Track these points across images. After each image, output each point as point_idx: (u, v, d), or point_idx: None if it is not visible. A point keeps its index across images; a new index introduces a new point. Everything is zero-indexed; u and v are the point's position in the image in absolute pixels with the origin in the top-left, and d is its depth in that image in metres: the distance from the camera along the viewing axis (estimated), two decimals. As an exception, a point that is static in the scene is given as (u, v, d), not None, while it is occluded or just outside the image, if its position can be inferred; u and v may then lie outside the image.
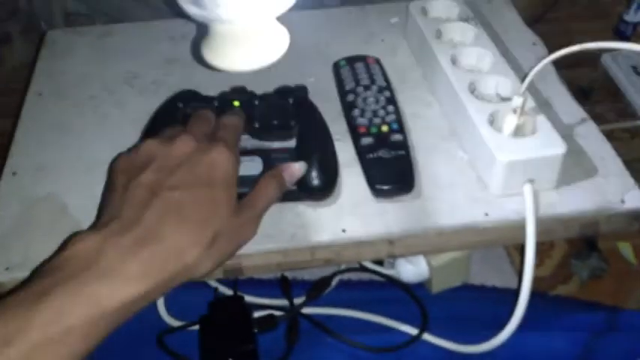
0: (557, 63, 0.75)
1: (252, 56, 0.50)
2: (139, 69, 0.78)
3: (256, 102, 0.64)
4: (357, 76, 0.72)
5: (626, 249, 0.89)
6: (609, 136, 1.05)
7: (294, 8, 0.87)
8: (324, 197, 0.61)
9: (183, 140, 0.52)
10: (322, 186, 0.61)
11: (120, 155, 0.55)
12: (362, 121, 0.66)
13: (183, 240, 0.47)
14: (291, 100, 0.65)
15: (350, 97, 0.70)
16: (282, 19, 0.85)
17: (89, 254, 0.45)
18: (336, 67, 0.76)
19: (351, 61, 0.75)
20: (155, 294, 0.46)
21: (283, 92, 0.66)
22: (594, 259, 0.84)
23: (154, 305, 0.73)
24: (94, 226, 0.49)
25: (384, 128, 0.65)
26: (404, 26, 0.82)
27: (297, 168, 0.58)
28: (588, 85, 1.14)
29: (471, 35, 0.73)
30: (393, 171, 0.61)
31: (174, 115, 0.63)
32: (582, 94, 1.12)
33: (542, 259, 0.87)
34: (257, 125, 0.63)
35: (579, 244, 0.87)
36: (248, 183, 0.60)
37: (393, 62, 0.78)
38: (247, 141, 0.63)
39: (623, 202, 0.60)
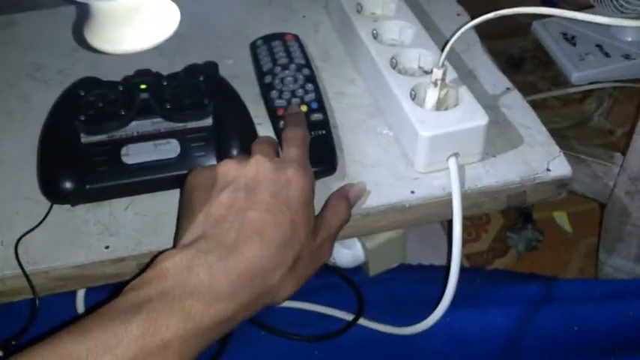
0: (487, 34, 0.73)
1: (139, 36, 0.46)
2: (44, 59, 0.73)
3: (165, 83, 0.60)
4: (274, 55, 0.68)
5: (561, 218, 0.89)
6: (542, 104, 1.05)
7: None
8: None
9: (258, 161, 0.51)
10: None
11: (196, 171, 0.53)
12: (280, 102, 0.63)
13: (267, 262, 0.46)
14: (201, 78, 0.61)
15: (267, 79, 0.66)
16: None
17: (180, 271, 0.44)
18: (253, 47, 0.72)
19: (268, 39, 0.71)
20: (242, 315, 0.46)
21: (192, 70, 0.63)
22: (529, 230, 0.84)
23: (71, 309, 0.69)
24: (180, 244, 0.47)
25: (303, 108, 0.62)
26: (325, 1, 0.79)
27: (361, 187, 0.57)
28: (520, 54, 1.13)
29: (392, 8, 0.71)
30: (313, 152, 0.58)
31: (77, 104, 0.59)
32: (514, 64, 1.11)
33: (478, 234, 0.86)
34: (169, 107, 0.59)
35: (515, 217, 0.87)
36: (166, 167, 0.57)
37: (315, 39, 0.75)
38: (160, 124, 0.59)
39: (548, 170, 0.59)
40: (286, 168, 0.51)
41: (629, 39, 1.09)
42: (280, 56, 0.68)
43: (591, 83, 1.08)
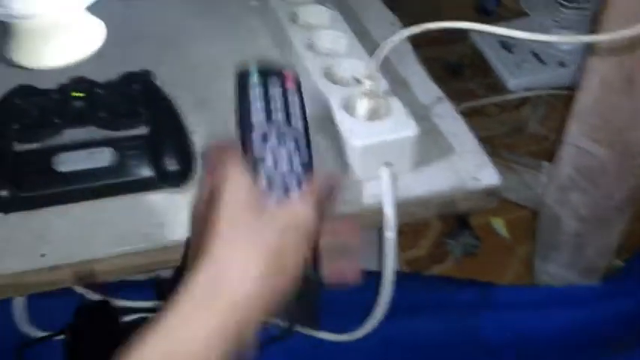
0: (426, 41, 0.75)
1: (61, 52, 0.47)
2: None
3: (100, 91, 0.61)
4: (269, 104, 0.53)
5: (498, 224, 0.92)
6: (480, 111, 1.08)
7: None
8: (180, 183, 0.59)
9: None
10: (179, 170, 0.58)
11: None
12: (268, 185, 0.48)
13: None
14: (137, 86, 0.62)
15: (256, 136, 0.50)
16: (135, 5, 0.81)
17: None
18: (243, 77, 0.56)
19: (265, 76, 0.55)
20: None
21: (128, 78, 0.63)
22: (466, 236, 0.86)
23: (9, 314, 0.69)
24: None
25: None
26: (261, 9, 0.80)
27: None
28: (457, 61, 1.16)
29: (326, 18, 0.72)
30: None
31: (11, 112, 0.59)
32: (451, 71, 1.14)
33: (417, 240, 0.88)
34: (103, 115, 0.59)
35: (453, 223, 0.89)
36: (100, 175, 0.58)
37: (253, 47, 0.76)
38: (95, 132, 0.60)
39: (477, 179, 0.61)
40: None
41: (565, 47, 1.13)
42: (277, 108, 0.53)
43: (528, 90, 1.12)
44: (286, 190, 0.47)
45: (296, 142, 0.51)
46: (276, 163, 0.49)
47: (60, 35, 0.46)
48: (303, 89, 0.60)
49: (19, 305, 0.69)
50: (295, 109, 0.53)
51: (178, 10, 0.82)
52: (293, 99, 0.54)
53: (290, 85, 0.56)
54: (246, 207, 0.44)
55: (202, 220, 0.44)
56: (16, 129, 0.58)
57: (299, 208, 0.45)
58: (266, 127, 0.51)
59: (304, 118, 0.53)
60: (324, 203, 0.46)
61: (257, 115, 0.52)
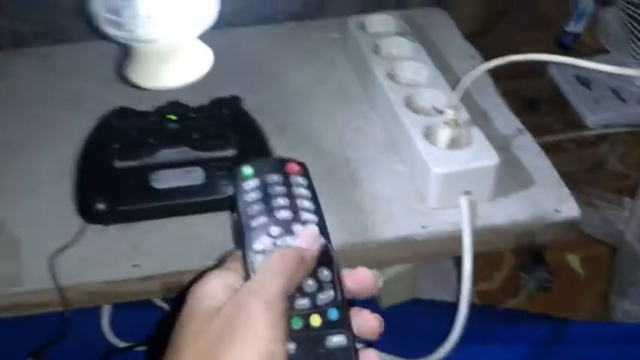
0: (504, 74, 0.76)
1: (175, 74, 0.51)
2: (83, 88, 0.78)
3: (192, 115, 0.65)
4: (269, 201, 0.43)
5: (573, 260, 0.91)
6: (556, 146, 1.08)
7: (236, 24, 0.88)
8: None
9: None
10: None
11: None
12: None
13: None
14: (226, 111, 0.66)
15: (257, 247, 0.41)
16: (222, 35, 0.86)
17: None
18: (237, 177, 0.45)
19: (261, 170, 0.45)
20: None
21: (218, 103, 0.67)
22: (541, 271, 0.86)
23: (97, 324, 0.72)
24: None
25: (315, 321, 0.40)
26: (343, 41, 0.83)
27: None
28: (535, 95, 1.16)
29: (408, 49, 0.74)
30: None
31: (112, 132, 0.63)
32: (529, 105, 1.14)
33: (490, 273, 0.88)
34: (195, 137, 0.63)
35: (527, 257, 0.89)
36: (192, 192, 0.61)
37: (334, 77, 0.79)
38: (187, 152, 0.63)
39: (558, 211, 0.61)
40: None
41: (645, 85, 1.11)
42: (277, 205, 0.43)
43: (606, 127, 1.10)
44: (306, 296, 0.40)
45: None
46: None
47: (174, 59, 0.49)
48: (382, 117, 0.62)
49: (105, 314, 0.73)
50: (305, 201, 0.44)
51: (264, 41, 0.86)
52: (298, 183, 0.45)
53: (294, 171, 0.46)
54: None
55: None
56: (117, 148, 0.62)
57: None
58: (267, 222, 0.42)
59: (318, 205, 0.45)
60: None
61: (255, 214, 0.43)
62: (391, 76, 0.71)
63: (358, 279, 0.43)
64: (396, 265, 0.71)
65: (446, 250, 0.62)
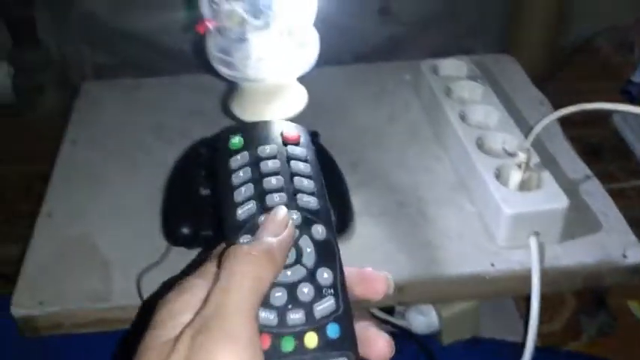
0: (568, 121, 0.78)
1: (275, 111, 0.55)
2: (166, 119, 0.83)
3: None
4: (259, 182, 0.37)
5: (635, 307, 0.90)
6: (619, 194, 1.08)
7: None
8: (339, 234, 0.63)
9: None
10: (339, 225, 0.64)
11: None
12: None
13: None
14: None
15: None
16: (306, 75, 0.90)
17: None
18: (222, 146, 0.39)
19: (252, 138, 0.39)
20: None
21: None
22: (602, 315, 0.86)
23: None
24: None
25: (310, 341, 0.32)
26: (415, 83, 0.86)
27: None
28: (599, 143, 1.17)
29: (479, 93, 0.77)
30: None
31: (198, 160, 0.67)
32: (593, 152, 1.15)
33: (552, 315, 0.89)
34: None
35: (588, 301, 0.89)
36: None
37: (405, 118, 0.82)
38: None
39: (625, 256, 0.63)
40: None
41: None
42: (271, 188, 0.36)
43: (669, 176, 1.10)
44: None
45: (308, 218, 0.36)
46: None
47: (277, 97, 0.53)
48: (452, 157, 0.63)
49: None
50: (304, 176, 0.38)
51: (341, 81, 0.90)
52: (302, 159, 0.39)
53: (292, 138, 0.39)
54: None
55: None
56: (203, 175, 0.66)
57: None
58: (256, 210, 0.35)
59: (321, 182, 0.39)
60: None
61: (242, 192, 0.36)
62: (462, 118, 0.73)
63: (367, 282, 0.36)
64: (460, 302, 0.72)
65: (514, 289, 0.64)
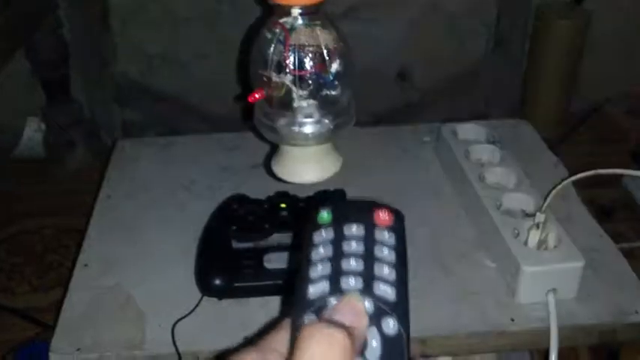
0: (580, 183, 0.82)
1: (312, 173, 0.59)
2: (196, 176, 0.87)
3: (300, 204, 0.72)
4: (338, 262, 0.34)
5: (647, 362, 0.92)
6: (630, 254, 1.10)
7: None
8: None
9: None
10: None
11: None
12: None
13: None
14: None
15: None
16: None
17: None
18: (311, 221, 0.38)
19: (341, 215, 0.37)
20: None
21: (323, 194, 0.74)
22: (617, 372, 0.87)
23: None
24: None
25: None
26: (434, 144, 0.91)
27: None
28: (610, 204, 1.20)
29: (497, 156, 0.81)
30: None
31: (230, 215, 0.71)
32: (604, 213, 1.18)
33: (567, 369, 0.91)
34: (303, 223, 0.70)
35: (602, 357, 0.91)
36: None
37: (426, 176, 0.86)
38: (296, 238, 0.70)
39: (637, 312, 0.65)
40: None
41: None
42: (348, 270, 0.34)
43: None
44: None
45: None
46: None
47: (314, 159, 0.58)
48: (472, 216, 0.65)
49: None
50: (385, 262, 0.35)
51: (359, 141, 0.94)
52: (386, 245, 0.36)
53: (384, 223, 0.37)
54: None
55: None
56: (234, 230, 0.70)
57: None
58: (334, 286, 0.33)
59: (405, 270, 0.35)
60: None
61: (319, 263, 0.34)
62: (481, 179, 0.77)
63: None
64: (479, 355, 0.75)
65: (531, 343, 0.66)
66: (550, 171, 0.86)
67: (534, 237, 0.67)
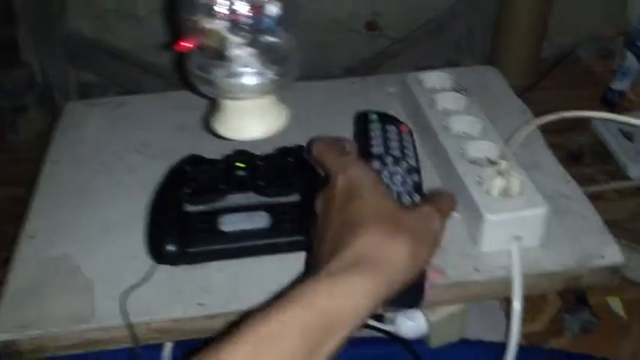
0: (550, 129, 0.79)
1: (256, 128, 0.55)
2: (150, 137, 0.83)
3: (259, 162, 0.69)
4: (387, 141, 0.62)
5: (615, 303, 0.92)
6: (600, 196, 1.10)
7: (300, 78, 0.94)
8: None
9: (356, 166, 0.54)
10: None
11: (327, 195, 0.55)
12: None
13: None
14: (291, 159, 0.69)
15: (375, 164, 0.59)
16: (293, 91, 0.91)
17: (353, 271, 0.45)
18: (364, 119, 0.66)
19: (384, 120, 0.66)
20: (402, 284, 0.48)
21: (283, 152, 0.71)
22: (585, 313, 0.87)
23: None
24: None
25: None
26: (400, 95, 0.88)
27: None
28: (579, 148, 1.19)
29: (462, 104, 0.78)
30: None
31: (183, 178, 0.68)
32: (574, 158, 1.17)
33: (535, 314, 0.90)
34: (261, 183, 0.67)
35: (571, 300, 0.91)
36: (257, 235, 0.65)
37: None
38: (253, 197, 0.68)
39: (602, 257, 0.64)
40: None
41: (688, 137, 1.14)
42: (393, 146, 0.62)
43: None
44: (398, 198, 0.55)
45: (409, 170, 0.59)
46: (391, 181, 0.57)
47: (257, 114, 0.54)
48: (437, 166, 0.65)
49: (167, 351, 0.76)
50: (409, 149, 0.62)
51: (325, 94, 0.91)
52: (407, 140, 0.63)
53: (404, 130, 0.65)
54: (386, 198, 0.50)
55: (336, 211, 0.50)
56: (188, 192, 0.66)
57: (433, 215, 0.51)
58: (384, 156, 0.59)
59: (417, 157, 0.62)
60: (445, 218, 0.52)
61: (377, 147, 0.61)
62: (446, 129, 0.74)
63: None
64: (447, 306, 0.73)
65: (497, 292, 0.64)
66: (517, 118, 0.83)
67: (497, 185, 0.65)
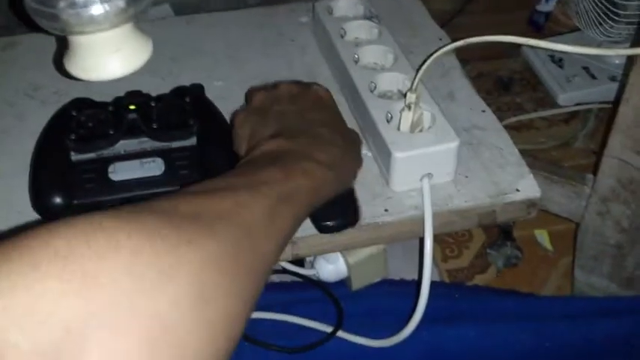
0: (477, 56, 0.75)
1: (114, 64, 0.49)
2: (41, 80, 0.76)
3: (153, 103, 0.63)
4: None
5: (542, 236, 0.91)
6: (529, 125, 1.08)
7: (206, 10, 0.87)
8: None
9: (285, 85, 0.62)
10: None
11: (238, 112, 0.62)
12: None
13: (341, 145, 0.56)
14: (188, 100, 0.64)
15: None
16: (192, 21, 0.85)
17: (282, 149, 0.51)
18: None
19: None
20: (336, 187, 0.53)
21: (179, 92, 0.66)
22: (509, 247, 0.86)
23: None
24: (265, 140, 0.54)
25: None
26: (311, 25, 0.82)
27: None
28: (508, 75, 1.16)
29: (374, 33, 0.74)
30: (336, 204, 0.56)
31: (68, 123, 0.62)
32: (502, 85, 1.14)
33: (460, 250, 0.89)
34: (155, 126, 0.62)
35: (496, 234, 0.89)
36: (151, 184, 0.60)
37: (303, 61, 0.78)
38: (147, 143, 0.62)
39: (518, 190, 0.61)
40: (310, 86, 0.64)
41: (616, 62, 1.12)
42: None
43: (577, 105, 1.10)
44: None
45: None
46: None
47: (113, 49, 0.48)
48: (349, 101, 0.62)
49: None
50: None
51: (233, 26, 0.85)
52: None
53: None
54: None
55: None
56: (73, 139, 0.61)
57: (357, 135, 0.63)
58: None
59: None
60: None
61: None
62: (357, 60, 0.70)
63: None
64: (367, 248, 0.71)
65: (409, 232, 0.61)
66: (434, 46, 0.79)
67: (407, 119, 0.61)
